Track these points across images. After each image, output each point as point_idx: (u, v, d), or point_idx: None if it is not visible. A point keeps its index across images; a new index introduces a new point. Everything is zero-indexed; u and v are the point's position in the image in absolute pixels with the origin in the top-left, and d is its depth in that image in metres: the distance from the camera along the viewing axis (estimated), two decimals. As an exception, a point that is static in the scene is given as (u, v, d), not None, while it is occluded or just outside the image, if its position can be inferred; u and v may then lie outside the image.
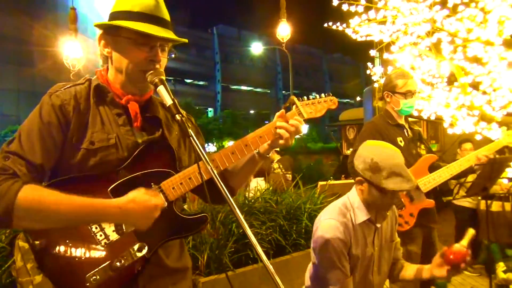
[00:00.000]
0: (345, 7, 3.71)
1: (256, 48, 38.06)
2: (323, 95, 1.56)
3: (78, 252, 1.22)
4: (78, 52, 6.31)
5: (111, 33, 1.32)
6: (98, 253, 1.23)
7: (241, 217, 1.09)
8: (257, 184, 4.12)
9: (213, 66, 45.04)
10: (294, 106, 1.48)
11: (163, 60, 1.35)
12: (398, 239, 2.07)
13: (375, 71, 4.31)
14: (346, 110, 12.77)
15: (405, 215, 2.56)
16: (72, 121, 1.26)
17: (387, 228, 1.96)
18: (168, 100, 1.20)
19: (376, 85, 4.33)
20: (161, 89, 1.23)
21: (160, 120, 1.41)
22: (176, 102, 1.20)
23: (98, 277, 1.21)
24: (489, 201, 4.42)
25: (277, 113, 1.45)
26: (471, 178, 3.06)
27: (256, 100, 46.60)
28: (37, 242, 1.21)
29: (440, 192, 3.03)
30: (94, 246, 1.23)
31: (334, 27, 3.99)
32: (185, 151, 1.45)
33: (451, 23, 3.33)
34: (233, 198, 1.55)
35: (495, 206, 4.76)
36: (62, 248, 1.21)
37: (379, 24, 3.72)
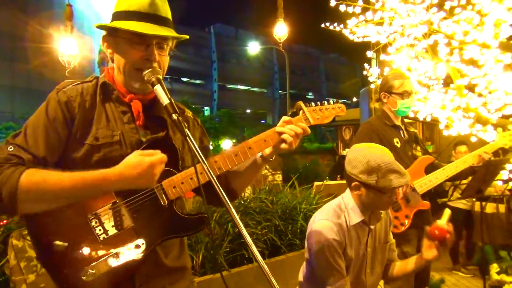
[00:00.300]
0: (342, 8, 3.72)
1: (253, 47, 38.06)
2: (331, 101, 1.57)
3: (76, 246, 1.22)
4: (73, 49, 6.27)
5: (111, 34, 1.33)
6: (96, 247, 1.23)
7: (237, 217, 1.08)
8: None
9: (210, 65, 44.98)
10: (301, 112, 1.48)
11: (164, 59, 1.34)
12: (393, 241, 2.08)
13: (372, 72, 4.32)
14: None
15: (400, 217, 2.57)
16: (77, 117, 1.28)
17: (381, 229, 1.97)
18: (164, 99, 1.19)
19: (372, 86, 4.34)
20: (157, 88, 1.23)
21: (165, 120, 1.41)
22: (173, 101, 1.20)
23: (94, 271, 1.22)
24: (483, 203, 4.45)
25: (283, 118, 1.45)
26: (466, 180, 3.07)
27: (252, 99, 46.63)
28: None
29: (436, 194, 3.04)
30: (92, 240, 1.23)
31: (331, 27, 3.99)
32: (188, 151, 1.44)
33: (448, 25, 3.34)
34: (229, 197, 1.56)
35: (490, 208, 4.79)
36: (60, 242, 1.22)
37: (376, 25, 3.73)
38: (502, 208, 4.78)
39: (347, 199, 1.87)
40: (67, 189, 1.16)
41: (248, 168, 1.50)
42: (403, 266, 2.00)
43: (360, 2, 3.65)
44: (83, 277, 1.21)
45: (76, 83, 1.35)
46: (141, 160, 1.19)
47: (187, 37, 1.39)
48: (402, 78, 2.71)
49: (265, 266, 1.03)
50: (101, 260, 1.23)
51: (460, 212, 5.04)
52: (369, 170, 1.73)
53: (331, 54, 52.13)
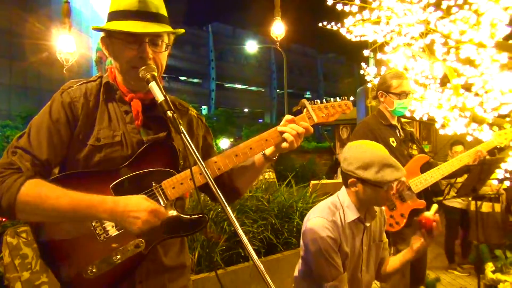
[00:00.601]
0: (339, 6, 3.72)
1: (251, 46, 38.02)
2: (337, 98, 1.53)
3: (78, 245, 1.25)
4: (71, 46, 6.24)
5: (107, 35, 1.34)
6: (97, 247, 1.25)
7: (233, 216, 1.08)
8: None
9: (208, 63, 44.89)
10: (304, 110, 1.46)
11: (160, 55, 1.34)
12: (386, 240, 2.09)
13: (369, 71, 4.32)
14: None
15: (396, 216, 2.58)
16: (80, 118, 1.30)
17: (376, 228, 1.98)
18: (159, 97, 1.20)
19: (369, 85, 4.34)
20: (152, 85, 1.23)
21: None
22: (168, 99, 1.20)
23: (95, 269, 1.24)
24: (479, 202, 4.47)
25: (285, 117, 1.43)
26: (461, 179, 3.08)
27: (250, 98, 46.59)
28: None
29: (431, 193, 3.05)
30: (93, 240, 1.25)
31: (328, 26, 3.99)
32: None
33: (445, 24, 3.34)
34: (233, 195, 1.56)
35: (485, 207, 4.81)
36: (62, 241, 1.26)
37: (373, 24, 3.73)
38: (497, 207, 4.80)
39: (343, 197, 1.88)
40: (64, 210, 1.18)
41: (251, 166, 1.50)
42: (393, 261, 2.02)
43: (357, 1, 3.65)
44: (84, 276, 1.24)
45: (80, 83, 1.36)
46: (144, 202, 1.20)
47: (182, 31, 1.37)
48: (400, 78, 2.70)
49: (261, 265, 1.03)
50: (102, 259, 1.25)
51: (456, 211, 5.06)
52: (365, 165, 1.74)
53: (328, 54, 52.11)
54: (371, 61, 5.09)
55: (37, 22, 20.56)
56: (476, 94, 3.46)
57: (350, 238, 1.85)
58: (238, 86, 47.17)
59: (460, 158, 2.75)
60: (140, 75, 1.26)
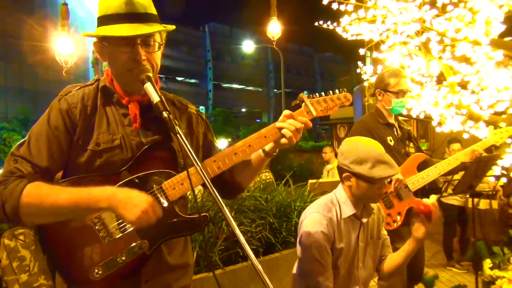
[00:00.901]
0: (335, 6, 3.72)
1: (248, 46, 38.01)
2: (336, 91, 1.51)
3: (82, 248, 1.27)
4: (70, 48, 6.22)
5: (99, 40, 1.34)
6: (101, 249, 1.27)
7: (230, 216, 1.09)
8: None
9: (205, 64, 44.87)
10: (303, 104, 1.45)
11: (153, 55, 1.33)
12: (387, 237, 2.10)
13: (366, 70, 4.33)
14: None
15: (393, 214, 2.59)
16: (79, 123, 1.31)
17: (373, 225, 1.99)
18: (155, 97, 1.20)
19: (366, 83, 4.35)
20: (147, 86, 1.23)
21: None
22: (164, 99, 1.20)
23: (101, 271, 1.26)
24: (476, 199, 4.48)
25: (284, 112, 1.43)
26: (458, 176, 3.10)
27: (247, 98, 46.58)
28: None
29: (429, 190, 3.06)
30: (97, 243, 1.27)
31: (324, 26, 3.99)
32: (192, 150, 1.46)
33: (440, 22, 3.35)
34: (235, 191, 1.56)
35: (483, 204, 4.83)
36: (67, 245, 1.28)
37: (369, 23, 3.73)
38: (495, 204, 4.82)
39: (339, 193, 1.90)
40: (65, 206, 1.20)
41: (251, 163, 1.50)
42: (395, 256, 2.01)
43: (353, 0, 3.66)
44: (91, 278, 1.26)
45: (78, 88, 1.37)
46: (144, 196, 1.20)
47: (173, 27, 1.37)
48: (398, 76, 2.71)
49: (259, 266, 1.04)
50: (107, 261, 1.27)
51: (454, 208, 5.08)
52: (360, 160, 1.77)
53: (325, 53, 52.18)
54: (368, 60, 5.11)
55: (32, 24, 20.50)
56: (472, 92, 3.46)
57: (346, 234, 1.86)
58: (235, 86, 47.16)
59: (456, 157, 2.77)
60: (135, 77, 1.26)
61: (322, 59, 52.60)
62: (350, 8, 3.67)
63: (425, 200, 1.86)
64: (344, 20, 3.77)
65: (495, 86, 3.27)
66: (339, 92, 1.51)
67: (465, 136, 3.50)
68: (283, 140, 1.39)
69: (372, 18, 3.65)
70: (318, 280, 1.78)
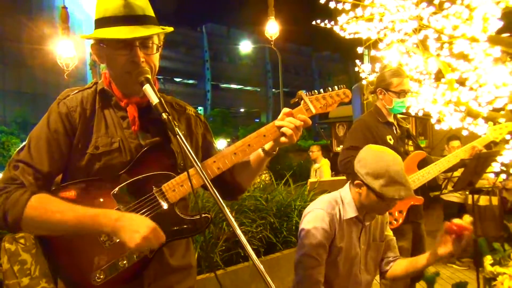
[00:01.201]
0: (332, 4, 3.72)
1: (246, 46, 37.99)
2: (335, 87, 1.49)
3: (83, 252, 1.26)
4: (71, 51, 6.21)
5: (97, 43, 1.33)
6: (102, 253, 1.26)
7: (231, 217, 1.09)
8: None
9: (203, 64, 44.84)
10: (302, 101, 1.44)
11: (152, 57, 1.33)
12: (393, 237, 2.08)
13: (364, 68, 4.33)
14: (336, 108, 12.78)
15: (394, 213, 2.59)
16: (79, 127, 1.30)
17: (376, 228, 1.98)
18: (154, 99, 1.20)
19: (364, 82, 4.35)
20: (146, 87, 1.23)
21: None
22: (163, 101, 1.20)
23: (102, 276, 1.25)
24: (476, 196, 4.48)
25: (283, 110, 1.42)
26: (458, 173, 3.10)
27: (246, 98, 46.56)
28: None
29: (428, 188, 3.06)
30: (98, 247, 1.26)
31: (322, 25, 4.00)
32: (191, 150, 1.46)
33: (437, 20, 3.35)
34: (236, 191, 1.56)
35: (483, 200, 4.84)
36: (67, 250, 1.27)
37: (367, 21, 3.73)
38: (494, 200, 4.83)
39: (345, 193, 1.89)
40: (69, 225, 1.19)
41: (252, 162, 1.49)
42: (411, 262, 1.94)
43: (350, -1, 3.66)
44: (93, 282, 1.24)
45: (76, 91, 1.36)
46: (147, 220, 1.19)
47: (171, 29, 1.36)
48: (401, 76, 2.68)
49: (261, 265, 1.04)
50: (108, 265, 1.25)
51: (454, 205, 5.08)
52: (376, 174, 1.73)
53: (323, 52, 52.18)
54: (366, 58, 5.11)
55: (30, 27, 20.46)
56: (471, 89, 3.47)
57: (347, 235, 1.86)
58: (233, 86, 47.14)
59: (456, 154, 2.77)
60: (134, 79, 1.26)
61: (320, 58, 52.60)
62: (347, 6, 3.68)
63: (457, 220, 1.73)
64: (341, 18, 3.78)
65: (493, 83, 3.28)
66: (338, 89, 1.49)
67: (464, 133, 3.51)
68: (283, 139, 1.38)
69: (369, 16, 3.65)
70: (310, 273, 1.78)
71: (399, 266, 1.98)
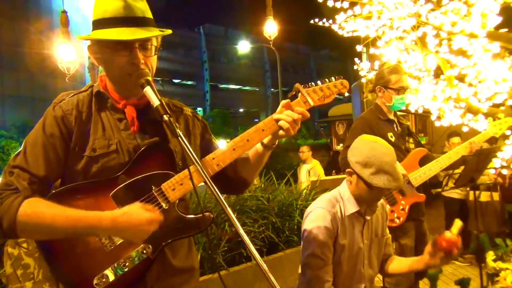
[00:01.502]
0: (330, 3, 3.72)
1: (244, 46, 37.98)
2: (332, 78, 1.48)
3: (85, 256, 1.25)
4: (72, 55, 6.21)
5: (94, 44, 1.32)
6: (104, 256, 1.25)
7: (232, 214, 1.08)
8: None
9: (201, 65, 44.81)
10: (299, 94, 1.43)
11: (151, 59, 1.33)
12: (389, 235, 2.10)
13: (362, 66, 4.33)
14: (335, 106, 12.80)
15: (397, 211, 2.59)
16: (75, 130, 1.29)
17: (377, 223, 1.99)
18: (155, 101, 1.19)
19: (363, 80, 4.35)
20: (147, 90, 1.22)
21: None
22: (164, 103, 1.19)
23: (105, 279, 1.24)
24: (477, 192, 4.48)
25: (282, 102, 1.41)
26: (459, 170, 3.10)
27: (245, 98, 46.53)
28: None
29: (430, 185, 3.06)
30: (100, 250, 1.25)
31: (320, 23, 4.00)
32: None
33: (436, 16, 3.36)
34: (224, 197, 1.56)
35: (484, 196, 4.83)
36: (69, 253, 1.26)
37: (365, 19, 3.74)
38: (496, 196, 4.82)
39: (344, 190, 1.90)
40: (61, 229, 1.19)
41: (252, 158, 1.49)
42: (400, 263, 2.01)
43: (348, -3, 3.66)
44: (95, 286, 1.24)
45: (72, 95, 1.35)
46: (141, 214, 1.20)
47: (170, 31, 1.36)
48: (399, 73, 2.69)
49: (264, 265, 1.03)
50: (111, 267, 1.25)
51: (455, 202, 5.08)
52: (365, 163, 1.75)
53: (321, 51, 52.17)
54: (364, 56, 5.10)
55: (28, 31, 20.45)
56: (470, 85, 3.48)
57: (350, 231, 1.86)
58: (232, 86, 47.11)
59: (457, 150, 2.77)
60: (134, 81, 1.26)
61: (319, 57, 52.58)
62: (345, 5, 3.68)
63: (448, 235, 1.72)
64: (339, 17, 3.78)
65: (493, 78, 3.28)
66: (335, 80, 1.48)
67: (465, 129, 3.51)
68: (281, 132, 1.38)
69: (367, 14, 3.65)
70: (317, 274, 1.79)
71: (399, 264, 2.02)
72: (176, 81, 43.02)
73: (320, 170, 6.65)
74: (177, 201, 1.32)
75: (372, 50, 3.88)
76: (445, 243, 1.71)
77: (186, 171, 1.29)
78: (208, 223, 1.36)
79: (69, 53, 6.14)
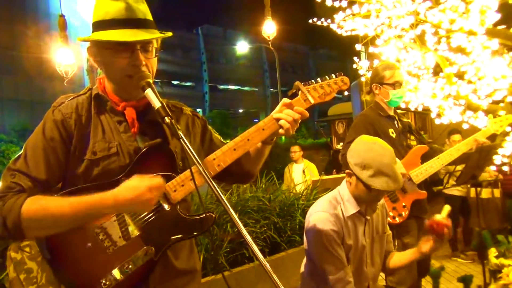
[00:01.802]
0: (329, 2, 3.72)
1: (242, 46, 37.98)
2: (333, 75, 1.48)
3: (88, 259, 1.25)
4: (70, 59, 6.21)
5: (94, 46, 1.32)
6: (106, 259, 1.25)
7: (234, 214, 1.09)
8: None
9: (200, 66, 44.77)
10: (300, 92, 1.43)
11: (151, 61, 1.33)
12: (390, 232, 2.10)
13: (362, 65, 4.33)
14: (335, 105, 12.80)
15: (398, 208, 2.59)
16: (75, 134, 1.29)
17: (378, 221, 1.99)
18: (156, 103, 1.19)
19: (363, 79, 4.35)
20: (148, 92, 1.22)
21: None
22: (165, 104, 1.19)
23: (108, 282, 1.24)
24: (478, 189, 4.48)
25: (283, 100, 1.41)
26: (460, 167, 3.10)
27: (244, 98, 46.50)
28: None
29: (431, 182, 3.06)
30: (102, 253, 1.25)
31: (318, 23, 4.00)
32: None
33: (434, 14, 3.35)
34: (226, 198, 1.56)
35: (485, 193, 4.83)
36: (71, 256, 1.26)
37: (363, 18, 3.73)
38: (497, 192, 4.82)
39: (343, 191, 1.89)
40: (67, 215, 1.18)
41: (253, 152, 1.49)
42: (399, 257, 2.03)
43: (346, -4, 3.66)
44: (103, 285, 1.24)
45: (70, 98, 1.36)
46: (139, 184, 1.19)
47: (171, 34, 1.36)
48: (392, 68, 2.72)
49: (267, 265, 1.04)
50: (114, 270, 1.25)
51: (456, 199, 5.08)
52: (363, 164, 1.75)
53: (320, 50, 52.16)
54: (363, 55, 5.10)
55: (26, 34, 20.44)
56: (469, 82, 3.47)
57: (353, 231, 1.86)
58: (231, 87, 47.09)
59: (458, 148, 2.77)
60: (135, 83, 1.26)
61: (317, 57, 52.57)
62: (344, 4, 3.68)
63: (438, 217, 1.81)
64: (338, 16, 3.77)
65: (492, 75, 3.28)
66: (336, 77, 1.48)
67: (465, 126, 3.51)
68: (281, 131, 1.38)
69: (366, 13, 3.65)
70: (339, 276, 1.77)
71: (398, 258, 2.04)
72: (175, 82, 43.00)
73: (314, 169, 6.63)
74: (178, 202, 1.32)
75: (371, 49, 3.88)
76: (436, 225, 1.79)
77: (187, 172, 1.30)
78: (210, 224, 1.36)
79: (67, 56, 6.14)
